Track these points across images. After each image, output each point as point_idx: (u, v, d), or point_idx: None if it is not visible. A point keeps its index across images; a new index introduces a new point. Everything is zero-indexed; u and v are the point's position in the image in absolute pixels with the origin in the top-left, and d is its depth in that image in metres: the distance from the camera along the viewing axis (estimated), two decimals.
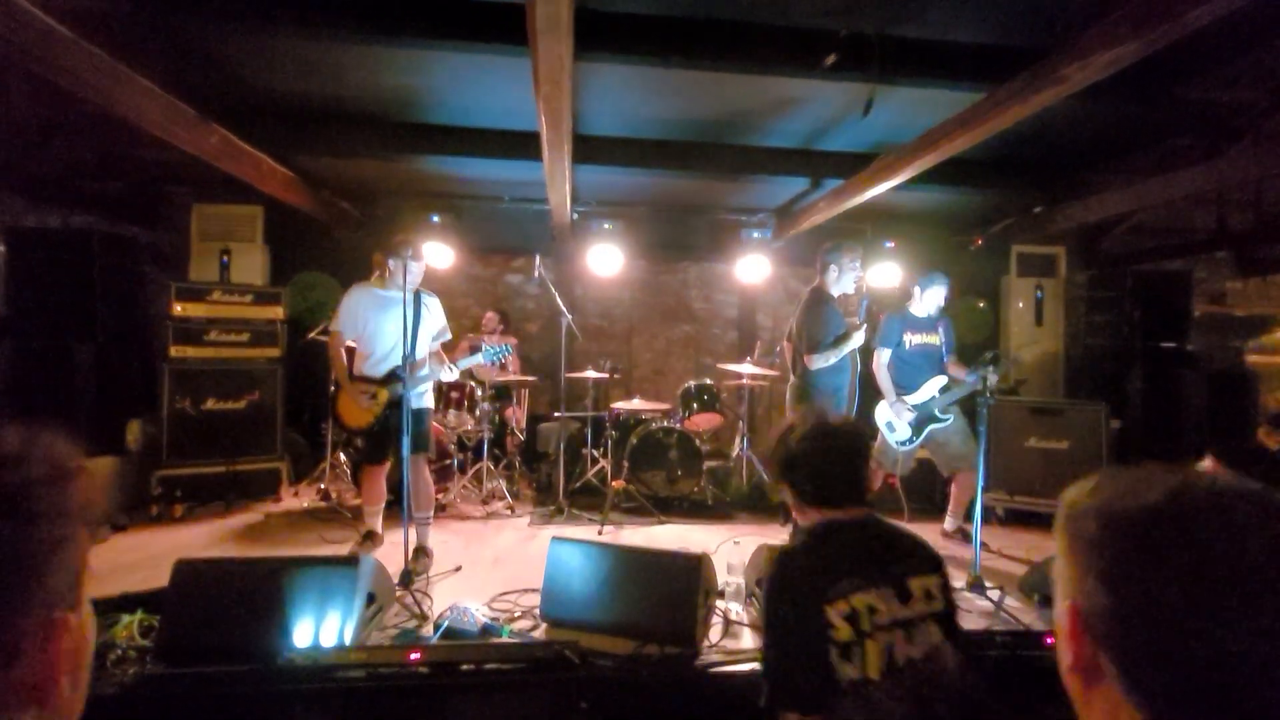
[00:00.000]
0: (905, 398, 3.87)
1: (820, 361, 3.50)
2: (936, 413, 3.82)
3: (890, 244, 5.07)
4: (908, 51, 3.11)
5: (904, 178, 3.61)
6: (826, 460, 1.45)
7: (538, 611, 2.57)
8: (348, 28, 3.00)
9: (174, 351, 4.30)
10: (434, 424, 4.56)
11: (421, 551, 3.25)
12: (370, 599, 2.41)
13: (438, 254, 5.02)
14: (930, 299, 3.89)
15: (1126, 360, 5.57)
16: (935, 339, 3.94)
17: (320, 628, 2.19)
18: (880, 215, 5.47)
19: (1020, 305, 5.71)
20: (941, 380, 3.85)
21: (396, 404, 3.09)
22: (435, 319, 3.43)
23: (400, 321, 2.98)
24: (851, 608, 1.21)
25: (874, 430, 4.04)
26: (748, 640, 2.51)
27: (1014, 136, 3.89)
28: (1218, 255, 6.50)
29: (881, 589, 1.23)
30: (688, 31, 3.08)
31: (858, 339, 3.52)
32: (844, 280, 3.63)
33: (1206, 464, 1.65)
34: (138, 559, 3.23)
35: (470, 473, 4.69)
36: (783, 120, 3.97)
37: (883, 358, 3.94)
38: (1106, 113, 3.81)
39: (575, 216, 5.26)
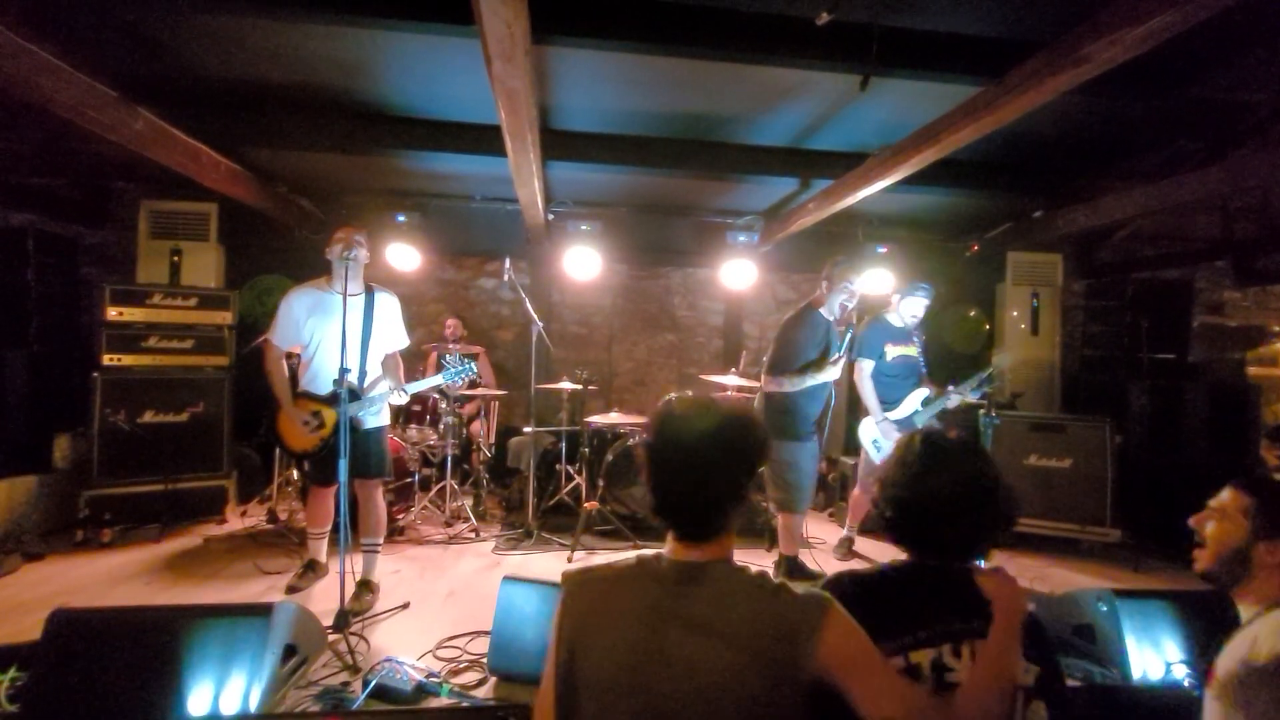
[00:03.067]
0: (889, 414, 3.62)
1: (774, 386, 3.26)
2: (919, 426, 3.58)
3: (883, 249, 4.83)
4: (903, 42, 2.86)
5: (900, 176, 3.36)
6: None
7: (486, 662, 2.25)
8: (289, 5, 2.70)
9: (108, 359, 3.95)
10: (393, 439, 4.24)
11: (365, 587, 2.91)
12: (290, 651, 2.09)
13: (404, 256, 4.72)
14: (908, 309, 3.65)
15: (1125, 372, 5.35)
16: (914, 350, 3.72)
17: (221, 691, 1.86)
18: (872, 219, 5.22)
19: (1015, 314, 5.48)
20: (923, 393, 3.63)
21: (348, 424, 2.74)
22: (391, 323, 3.06)
23: (348, 327, 2.65)
24: None
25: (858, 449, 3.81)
26: None
27: (1013, 137, 3.67)
28: (1217, 264, 6.33)
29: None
30: (665, 15, 2.81)
31: (830, 373, 3.22)
32: (831, 302, 3.30)
33: (1227, 495, 1.38)
34: (44, 595, 2.87)
35: (433, 491, 4.36)
36: (770, 116, 3.70)
37: (865, 369, 3.70)
38: (1111, 111, 3.59)
39: (551, 217, 4.97)
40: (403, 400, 3.12)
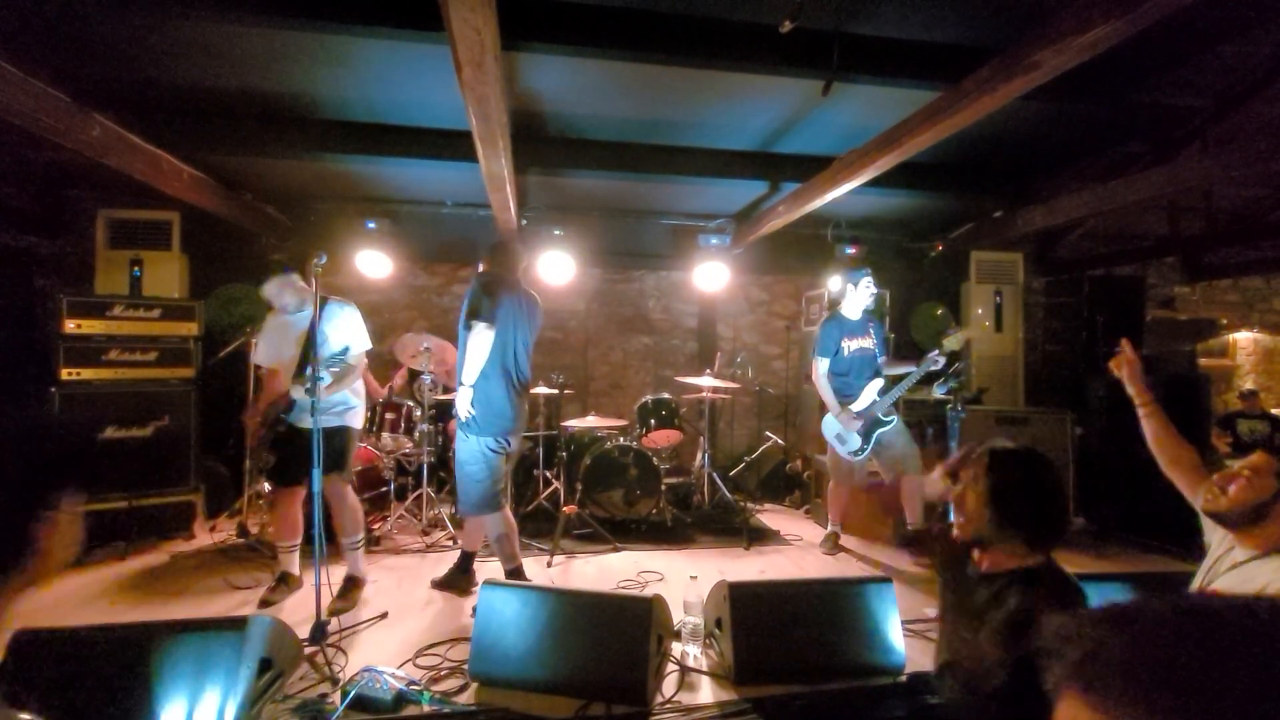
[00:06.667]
0: (850, 406, 3.73)
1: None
2: (880, 416, 3.73)
3: (851, 250, 4.93)
4: (863, 49, 2.95)
5: (866, 178, 3.44)
6: None
7: (467, 668, 2.25)
8: (250, 10, 2.67)
9: (65, 374, 3.81)
10: (368, 448, 4.19)
11: (353, 583, 2.97)
12: (265, 665, 2.05)
13: (374, 263, 4.69)
14: (861, 294, 3.80)
15: (1083, 365, 5.55)
16: (869, 342, 3.87)
17: (195, 708, 1.83)
18: (841, 221, 5.33)
19: (979, 311, 5.65)
20: (879, 383, 3.77)
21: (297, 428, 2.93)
22: (338, 332, 3.02)
23: (301, 342, 2.89)
24: None
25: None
26: (707, 693, 2.23)
27: (973, 140, 3.80)
28: (1166, 261, 6.62)
29: None
30: (632, 22, 2.85)
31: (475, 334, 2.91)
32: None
33: (1259, 459, 1.56)
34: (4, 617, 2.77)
35: (409, 499, 4.31)
36: (739, 120, 3.77)
37: (822, 367, 3.85)
38: (1063, 115, 3.74)
39: (524, 222, 4.96)
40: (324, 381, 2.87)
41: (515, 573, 3.01)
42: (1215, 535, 1.73)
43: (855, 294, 3.82)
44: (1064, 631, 0.42)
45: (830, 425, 3.85)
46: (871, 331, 3.87)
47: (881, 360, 3.88)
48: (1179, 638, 0.38)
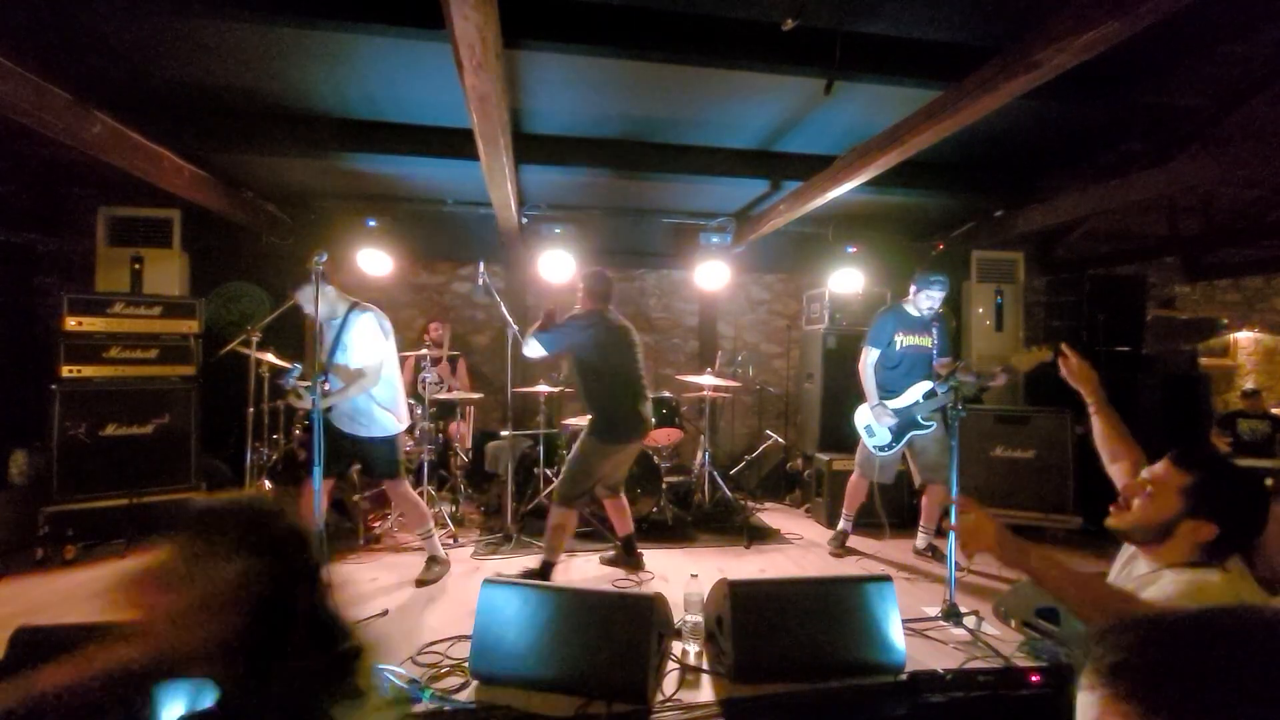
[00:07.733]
0: (888, 402, 3.68)
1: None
2: (919, 419, 3.65)
3: (852, 249, 4.94)
4: (865, 47, 2.95)
5: (867, 177, 3.44)
6: None
7: (468, 666, 2.25)
8: (251, 7, 2.67)
9: (66, 371, 3.81)
10: None
11: (433, 560, 3.37)
12: None
13: (375, 261, 4.68)
14: (924, 301, 3.66)
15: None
16: (928, 340, 3.73)
17: (195, 705, 1.83)
18: (842, 219, 5.34)
19: (980, 310, 5.65)
20: (926, 386, 3.67)
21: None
22: (356, 340, 3.14)
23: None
24: None
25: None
26: (707, 691, 2.24)
27: (974, 139, 3.80)
28: (1167, 260, 6.62)
29: None
30: (634, 21, 2.85)
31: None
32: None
33: (1162, 469, 1.40)
34: (4, 615, 2.76)
35: None
36: (740, 119, 3.77)
37: (870, 357, 3.76)
38: (1063, 115, 3.74)
39: (524, 221, 4.97)
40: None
41: (547, 567, 3.24)
42: None
43: (924, 295, 3.64)
44: (1099, 635, 0.42)
45: (862, 415, 3.78)
46: (934, 331, 3.70)
47: (940, 362, 3.73)
48: (1211, 648, 0.38)
